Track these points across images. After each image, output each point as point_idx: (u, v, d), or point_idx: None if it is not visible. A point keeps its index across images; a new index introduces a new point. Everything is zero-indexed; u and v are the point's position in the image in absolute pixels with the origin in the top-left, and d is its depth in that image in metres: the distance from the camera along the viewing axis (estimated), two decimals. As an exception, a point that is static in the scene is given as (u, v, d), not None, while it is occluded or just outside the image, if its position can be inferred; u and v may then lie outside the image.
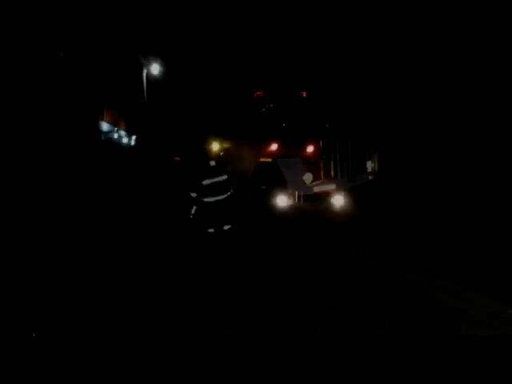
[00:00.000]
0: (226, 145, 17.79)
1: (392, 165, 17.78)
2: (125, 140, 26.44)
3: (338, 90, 18.26)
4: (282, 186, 15.28)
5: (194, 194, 11.63)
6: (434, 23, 15.78)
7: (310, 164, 15.32)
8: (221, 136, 17.79)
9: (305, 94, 17.48)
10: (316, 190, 15.12)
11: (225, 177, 11.90)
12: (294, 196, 15.37)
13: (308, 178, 14.98)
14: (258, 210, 15.83)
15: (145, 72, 25.70)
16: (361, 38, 15.89)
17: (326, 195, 15.54)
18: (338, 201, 15.65)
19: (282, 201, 15.51)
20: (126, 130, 28.62)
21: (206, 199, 11.58)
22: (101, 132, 21.96)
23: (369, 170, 16.13)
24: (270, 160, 15.80)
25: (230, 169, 15.24)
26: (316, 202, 15.65)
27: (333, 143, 15.25)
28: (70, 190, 17.29)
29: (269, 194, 15.62)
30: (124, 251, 11.34)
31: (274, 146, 15.98)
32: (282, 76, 18.93)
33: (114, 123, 25.08)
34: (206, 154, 16.42)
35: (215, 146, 17.83)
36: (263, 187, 15.82)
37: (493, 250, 10.14)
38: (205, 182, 11.61)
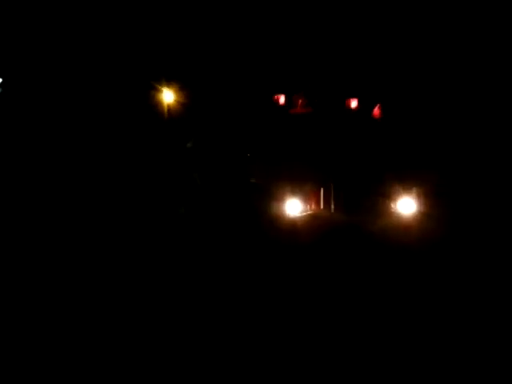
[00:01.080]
0: (185, 94, 9.86)
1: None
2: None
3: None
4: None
5: None
6: None
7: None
8: (176, 80, 9.85)
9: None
10: None
11: None
12: (319, 198, 8.10)
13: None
14: (247, 226, 8.38)
15: None
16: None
17: (382, 196, 8.17)
18: (407, 206, 8.29)
19: (293, 207, 8.16)
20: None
21: None
22: None
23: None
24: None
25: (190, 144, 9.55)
26: (362, 208, 8.25)
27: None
28: None
29: (269, 194, 8.16)
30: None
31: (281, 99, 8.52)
32: None
33: None
34: None
35: (168, 96, 9.86)
36: (253, 181, 8.50)
37: None
38: None
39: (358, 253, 7.98)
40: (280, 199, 8.21)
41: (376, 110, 8.44)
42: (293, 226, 8.10)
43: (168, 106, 9.77)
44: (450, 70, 8.86)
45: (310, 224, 8.10)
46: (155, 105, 9.72)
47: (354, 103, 8.45)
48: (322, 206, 8.23)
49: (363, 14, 9.02)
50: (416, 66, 8.66)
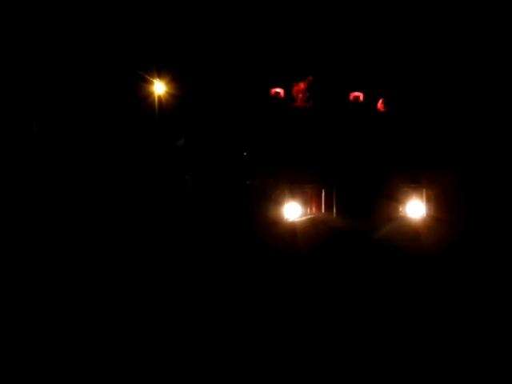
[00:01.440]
0: (176, 85, 9.28)
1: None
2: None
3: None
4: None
5: None
6: None
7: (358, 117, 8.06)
8: (168, 71, 9.23)
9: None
10: None
11: None
12: (320, 201, 7.58)
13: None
14: (242, 232, 7.80)
15: None
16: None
17: (391, 200, 7.55)
18: (417, 209, 7.70)
19: (292, 210, 7.51)
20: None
21: None
22: None
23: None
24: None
25: (182, 141, 8.86)
26: (367, 212, 7.62)
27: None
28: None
29: (266, 196, 7.54)
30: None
31: (279, 92, 7.96)
32: None
33: None
34: None
35: (159, 88, 9.21)
36: (249, 182, 7.89)
37: None
38: None
39: (363, 261, 7.36)
40: (278, 202, 7.60)
41: (382, 105, 7.82)
42: (291, 232, 7.47)
43: (159, 98, 9.14)
44: (466, 61, 8.22)
45: (310, 229, 7.47)
46: (144, 97, 9.09)
47: (358, 97, 7.83)
48: (323, 210, 7.60)
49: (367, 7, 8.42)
50: (428, 56, 8.00)
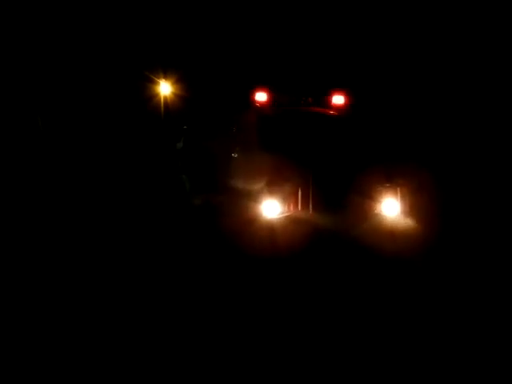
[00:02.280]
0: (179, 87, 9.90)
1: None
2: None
3: None
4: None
5: None
6: None
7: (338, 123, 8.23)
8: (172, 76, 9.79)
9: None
10: None
11: None
12: (297, 199, 7.85)
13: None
14: (222, 230, 8.24)
15: None
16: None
17: (366, 198, 7.77)
18: (392, 207, 7.86)
19: (271, 208, 7.86)
20: None
21: None
22: None
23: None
24: None
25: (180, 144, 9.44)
26: (343, 209, 7.86)
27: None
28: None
29: (243, 194, 8.04)
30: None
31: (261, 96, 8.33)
32: None
33: None
34: None
35: (164, 88, 9.74)
36: (232, 182, 8.37)
37: None
38: None
39: (339, 257, 7.54)
40: (257, 201, 8.00)
41: (358, 105, 8.04)
42: (269, 229, 7.85)
43: (165, 102, 9.65)
44: (437, 64, 8.28)
45: (287, 226, 7.80)
46: (150, 98, 9.66)
47: (336, 98, 8.09)
48: (299, 208, 7.92)
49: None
50: (402, 60, 8.14)
